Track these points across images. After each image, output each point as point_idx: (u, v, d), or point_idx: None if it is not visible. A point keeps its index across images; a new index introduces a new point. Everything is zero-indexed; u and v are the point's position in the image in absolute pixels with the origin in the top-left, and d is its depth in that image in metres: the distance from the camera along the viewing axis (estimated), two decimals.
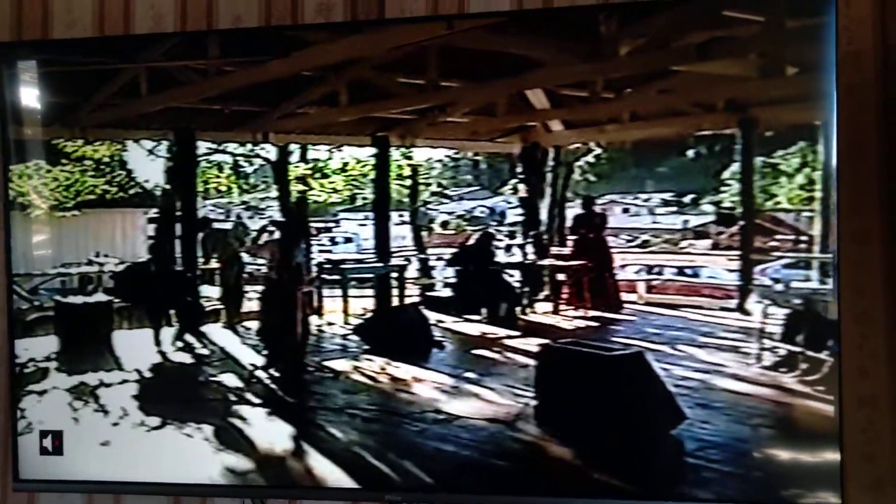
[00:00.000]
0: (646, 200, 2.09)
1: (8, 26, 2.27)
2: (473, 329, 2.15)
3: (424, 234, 2.18)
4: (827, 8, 1.71)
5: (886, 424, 1.74)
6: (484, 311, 2.16)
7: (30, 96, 2.21)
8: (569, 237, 2.11)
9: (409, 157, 2.16)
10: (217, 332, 2.23)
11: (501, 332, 2.13)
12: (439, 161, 2.18)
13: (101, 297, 2.24)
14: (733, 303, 2.00)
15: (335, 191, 2.18)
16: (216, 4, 2.16)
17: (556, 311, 2.12)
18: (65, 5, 2.26)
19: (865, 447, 1.76)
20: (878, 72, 1.77)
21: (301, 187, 2.18)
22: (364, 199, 2.19)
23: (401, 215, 2.19)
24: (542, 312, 2.12)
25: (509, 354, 2.09)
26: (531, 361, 2.05)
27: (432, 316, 2.15)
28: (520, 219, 2.13)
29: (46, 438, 2.15)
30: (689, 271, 2.10)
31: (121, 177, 2.24)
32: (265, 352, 2.18)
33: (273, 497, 2.06)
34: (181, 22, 2.19)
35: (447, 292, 2.18)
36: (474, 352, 2.12)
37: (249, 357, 2.19)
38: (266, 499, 2.06)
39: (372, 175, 2.17)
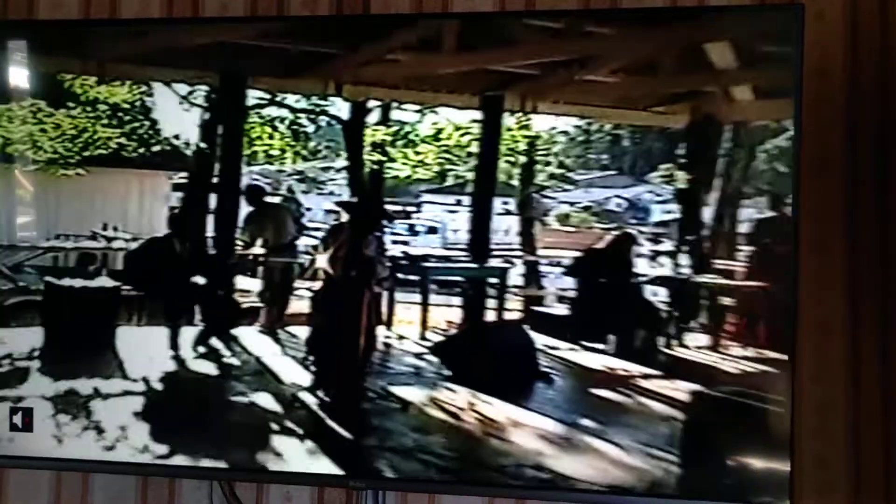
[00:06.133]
0: None
1: None
2: (596, 361, 1.75)
3: (537, 229, 1.81)
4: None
5: (840, 430, 1.83)
6: (612, 338, 1.77)
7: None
8: (741, 247, 1.67)
9: (526, 126, 1.76)
10: (253, 337, 1.88)
11: (636, 368, 1.72)
12: (564, 133, 1.77)
13: (105, 281, 1.90)
14: None
15: (422, 164, 1.81)
16: None
17: (715, 348, 1.69)
18: None
19: (820, 452, 1.83)
20: (845, 85, 1.85)
21: (378, 157, 1.80)
22: (458, 177, 1.82)
23: (506, 202, 1.81)
24: (695, 347, 1.70)
25: (645, 400, 1.69)
26: (677, 413, 1.65)
27: (540, 339, 1.77)
28: (673, 217, 1.71)
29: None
30: None
31: (143, 129, 1.89)
32: (314, 368, 1.82)
33: (241, 480, 1.94)
34: (168, 7, 2.11)
35: (562, 309, 1.80)
36: (595, 392, 1.74)
37: (293, 373, 1.83)
38: (234, 481, 1.93)
39: (474, 147, 1.78)
